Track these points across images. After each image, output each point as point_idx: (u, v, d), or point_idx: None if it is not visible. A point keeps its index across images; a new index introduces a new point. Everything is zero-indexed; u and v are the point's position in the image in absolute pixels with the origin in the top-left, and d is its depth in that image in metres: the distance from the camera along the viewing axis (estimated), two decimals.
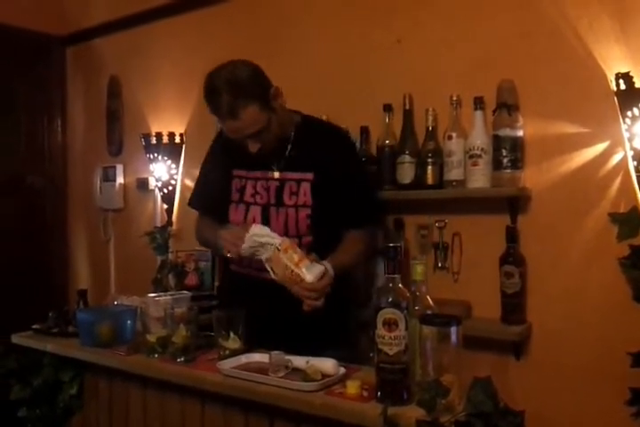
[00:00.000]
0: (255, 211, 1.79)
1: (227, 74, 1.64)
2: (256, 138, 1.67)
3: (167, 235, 2.81)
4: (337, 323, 1.84)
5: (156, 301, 1.71)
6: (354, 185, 1.81)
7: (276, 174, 1.79)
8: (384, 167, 2.16)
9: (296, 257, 1.55)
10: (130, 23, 3.17)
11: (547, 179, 1.97)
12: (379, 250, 2.12)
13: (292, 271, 1.54)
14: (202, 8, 2.87)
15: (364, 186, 1.89)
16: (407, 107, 2.16)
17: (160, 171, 2.95)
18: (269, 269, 1.59)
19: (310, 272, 1.54)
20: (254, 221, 1.76)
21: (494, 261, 1.98)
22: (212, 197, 1.91)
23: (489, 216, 2.07)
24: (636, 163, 1.77)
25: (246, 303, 1.62)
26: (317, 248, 1.71)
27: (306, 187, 1.76)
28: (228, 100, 1.60)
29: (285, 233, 1.72)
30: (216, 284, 2.66)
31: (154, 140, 2.93)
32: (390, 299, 1.18)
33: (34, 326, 1.92)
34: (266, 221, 1.75)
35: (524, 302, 1.97)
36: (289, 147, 1.78)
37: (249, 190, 1.81)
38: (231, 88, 1.60)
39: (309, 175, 1.76)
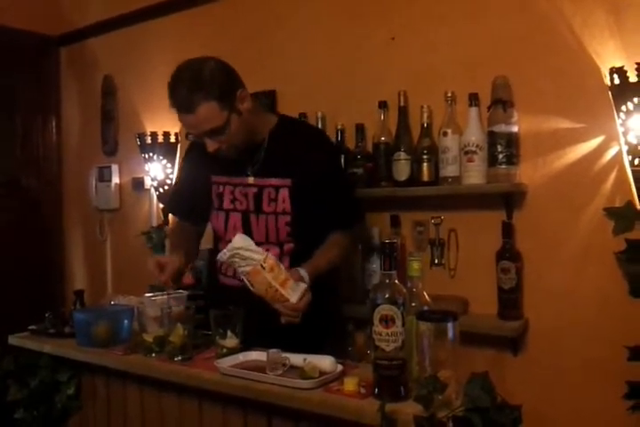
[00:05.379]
0: (235, 218, 1.78)
1: (192, 67, 1.62)
2: (213, 137, 1.63)
3: (163, 234, 2.81)
4: (327, 323, 1.80)
5: (153, 300, 1.71)
6: (333, 187, 1.76)
7: (251, 180, 1.75)
8: (380, 164, 2.17)
9: (282, 277, 1.52)
10: (124, 22, 3.16)
11: (542, 174, 1.97)
12: (374, 247, 2.13)
13: (277, 291, 1.51)
14: (195, 7, 2.86)
15: (344, 187, 1.86)
16: (402, 104, 2.16)
17: (155, 170, 2.95)
18: (247, 281, 1.54)
19: (295, 293, 1.52)
20: (235, 229, 1.74)
21: (490, 256, 1.99)
22: (188, 203, 1.91)
23: (485, 212, 2.07)
24: (630, 157, 1.78)
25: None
26: (300, 255, 1.69)
27: (284, 193, 1.71)
28: (186, 93, 1.58)
29: (267, 240, 1.72)
30: None
31: (149, 140, 2.92)
32: (387, 295, 1.18)
33: (30, 327, 1.90)
34: (247, 229, 1.73)
35: (520, 298, 1.98)
36: (263, 151, 1.74)
37: (227, 196, 1.79)
38: (192, 82, 1.58)
39: (287, 181, 1.71)
